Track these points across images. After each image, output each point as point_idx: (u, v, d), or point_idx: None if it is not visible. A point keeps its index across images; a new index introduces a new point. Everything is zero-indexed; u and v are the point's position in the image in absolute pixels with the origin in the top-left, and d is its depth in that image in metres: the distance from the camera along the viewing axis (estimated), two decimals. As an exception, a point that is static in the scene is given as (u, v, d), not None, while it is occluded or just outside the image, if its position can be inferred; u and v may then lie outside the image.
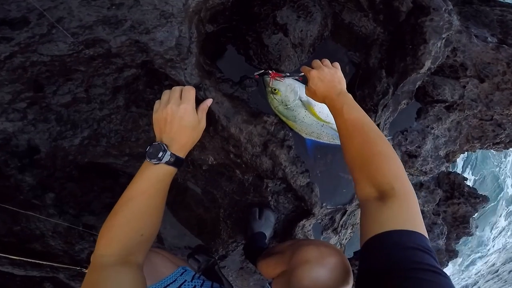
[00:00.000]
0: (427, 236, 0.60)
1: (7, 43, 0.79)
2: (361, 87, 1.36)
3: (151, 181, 0.81)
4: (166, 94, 0.89)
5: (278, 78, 1.21)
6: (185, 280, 1.01)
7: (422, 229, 0.60)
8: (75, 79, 0.94)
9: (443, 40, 1.18)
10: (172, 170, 0.85)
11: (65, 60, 0.86)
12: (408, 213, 0.64)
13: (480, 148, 1.99)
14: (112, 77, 0.99)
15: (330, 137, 1.35)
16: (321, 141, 1.37)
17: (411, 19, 1.16)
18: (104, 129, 1.15)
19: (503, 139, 1.90)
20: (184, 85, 0.99)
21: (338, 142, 1.37)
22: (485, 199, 2.18)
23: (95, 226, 1.39)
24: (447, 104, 1.73)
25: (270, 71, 1.23)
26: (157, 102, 0.90)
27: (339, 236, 1.71)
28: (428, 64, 1.23)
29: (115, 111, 1.11)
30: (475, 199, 2.16)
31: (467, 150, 2.00)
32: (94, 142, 1.16)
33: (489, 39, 1.51)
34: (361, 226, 0.69)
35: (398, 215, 0.63)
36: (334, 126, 1.30)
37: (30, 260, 1.05)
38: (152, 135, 1.23)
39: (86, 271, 1.21)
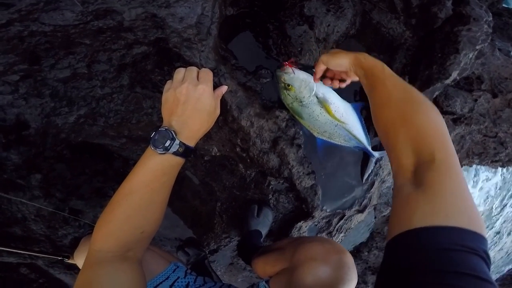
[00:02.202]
0: (478, 230, 0.44)
1: (5, 10, 0.65)
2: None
3: (155, 174, 0.69)
4: (180, 72, 0.75)
5: (289, 69, 1.09)
6: (178, 277, 0.94)
7: (473, 223, 0.44)
8: (78, 53, 0.81)
9: (476, 52, 1.10)
10: (180, 161, 0.72)
11: (69, 31, 0.72)
12: (451, 202, 0.48)
13: (478, 164, 1.96)
14: (119, 53, 0.86)
15: (342, 139, 1.26)
16: (333, 141, 1.28)
17: (446, 27, 1.06)
18: (103, 108, 1.02)
19: (502, 157, 1.87)
20: (198, 69, 0.87)
21: (349, 144, 1.29)
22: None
23: (83, 211, 1.28)
24: (455, 116, 1.66)
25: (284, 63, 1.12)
26: (169, 81, 0.76)
27: (332, 239, 1.65)
28: (454, 75, 1.15)
29: (117, 90, 0.98)
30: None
31: (465, 165, 1.97)
32: (91, 121, 1.04)
33: (511, 53, 1.44)
34: (391, 215, 0.55)
35: (437, 206, 0.47)
36: (348, 126, 1.21)
37: (6, 249, 0.92)
38: (155, 119, 1.11)
39: (68, 260, 1.11)
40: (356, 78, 0.92)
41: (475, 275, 0.39)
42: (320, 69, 0.98)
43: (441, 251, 0.42)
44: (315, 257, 0.78)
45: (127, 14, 0.73)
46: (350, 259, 0.81)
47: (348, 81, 0.99)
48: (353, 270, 0.80)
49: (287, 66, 1.08)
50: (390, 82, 0.72)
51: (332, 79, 1.03)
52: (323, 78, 1.05)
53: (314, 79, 1.05)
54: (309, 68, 1.09)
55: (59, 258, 1.15)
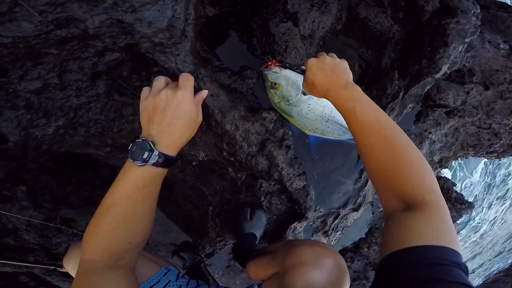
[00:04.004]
0: (460, 252, 0.50)
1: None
2: (369, 87, 1.20)
3: (137, 186, 0.64)
4: (160, 80, 0.69)
5: (276, 68, 1.02)
6: (170, 281, 0.90)
7: (456, 245, 0.50)
8: (46, 63, 0.75)
9: (465, 45, 1.03)
10: (161, 171, 0.67)
11: (30, 42, 0.66)
12: (440, 227, 0.53)
13: (473, 156, 1.89)
14: (90, 61, 0.79)
15: (335, 133, 1.20)
16: (326, 137, 1.22)
17: (434, 20, 0.99)
18: (82, 118, 0.96)
19: (497, 148, 1.80)
20: (175, 73, 0.80)
21: (344, 137, 1.23)
22: (470, 205, 2.10)
23: (74, 219, 1.24)
24: (448, 109, 1.60)
25: (270, 60, 1.05)
26: (145, 88, 0.69)
27: (328, 238, 1.59)
28: (445, 68, 1.08)
29: (94, 99, 0.92)
30: (461, 205, 2.07)
31: (460, 157, 1.90)
32: (71, 131, 0.98)
33: (501, 45, 1.37)
34: (383, 239, 0.58)
35: (429, 229, 0.52)
36: (338, 119, 1.15)
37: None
38: (137, 126, 1.05)
39: (62, 269, 1.07)
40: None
41: (460, 282, 0.45)
42: None
43: (432, 266, 0.47)
44: (305, 262, 0.74)
45: (90, 22, 0.66)
46: (342, 262, 0.76)
47: None
48: (345, 273, 0.75)
49: (273, 64, 1.02)
50: (368, 130, 0.68)
51: None
52: None
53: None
54: (295, 67, 1.02)
55: (52, 268, 1.11)
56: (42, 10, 0.62)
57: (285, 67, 1.01)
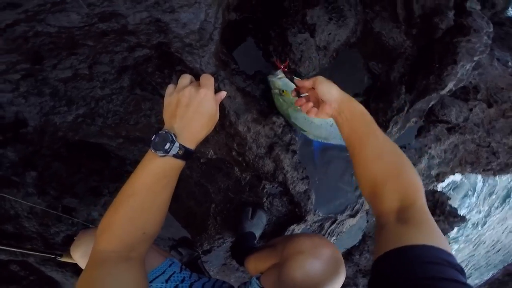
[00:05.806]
0: (451, 253, 0.54)
1: (12, 10, 0.65)
2: (376, 100, 1.29)
3: (157, 177, 0.70)
4: (186, 77, 0.76)
5: (281, 74, 1.10)
6: (174, 272, 0.95)
7: (448, 248, 0.55)
8: (80, 54, 0.81)
9: (473, 63, 1.12)
10: (180, 163, 0.72)
11: (73, 33, 0.73)
12: (432, 229, 0.59)
13: (470, 172, 1.99)
14: (121, 55, 0.86)
15: (338, 138, 1.27)
16: (330, 142, 1.30)
17: (446, 37, 1.08)
18: (102, 109, 1.03)
19: (494, 166, 1.91)
20: (198, 73, 0.87)
21: None
22: (463, 219, 2.21)
23: (77, 209, 1.28)
24: (449, 125, 1.69)
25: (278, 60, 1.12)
26: (170, 85, 0.76)
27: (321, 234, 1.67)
28: (450, 85, 1.17)
29: (117, 91, 0.99)
30: (454, 218, 2.18)
31: (457, 172, 2.00)
32: (89, 120, 1.04)
33: (510, 63, 1.45)
34: (376, 244, 0.64)
35: (423, 230, 0.58)
36: None
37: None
38: (153, 120, 1.11)
39: (61, 259, 1.11)
40: (325, 116, 0.93)
41: (455, 280, 0.47)
42: (306, 85, 0.96)
43: (426, 264, 0.50)
44: (303, 251, 0.79)
45: (131, 18, 0.73)
46: (338, 253, 0.82)
47: (317, 113, 0.94)
48: (342, 264, 0.81)
49: (282, 69, 1.09)
50: (380, 134, 0.80)
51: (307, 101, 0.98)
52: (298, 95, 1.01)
53: (293, 92, 1.02)
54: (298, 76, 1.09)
55: (52, 256, 1.14)
56: (91, 3, 0.69)
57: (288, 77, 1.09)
